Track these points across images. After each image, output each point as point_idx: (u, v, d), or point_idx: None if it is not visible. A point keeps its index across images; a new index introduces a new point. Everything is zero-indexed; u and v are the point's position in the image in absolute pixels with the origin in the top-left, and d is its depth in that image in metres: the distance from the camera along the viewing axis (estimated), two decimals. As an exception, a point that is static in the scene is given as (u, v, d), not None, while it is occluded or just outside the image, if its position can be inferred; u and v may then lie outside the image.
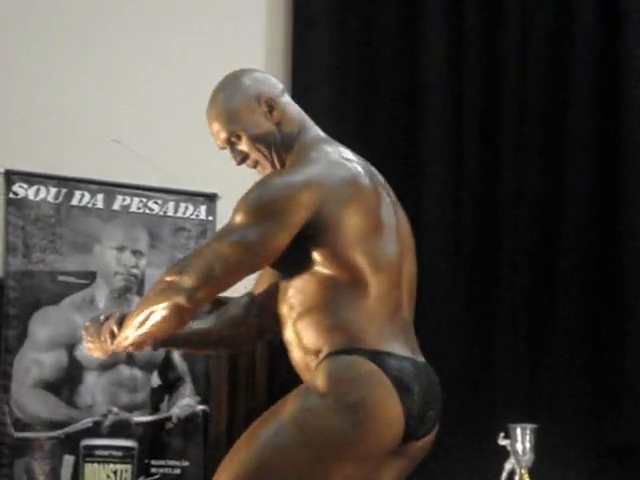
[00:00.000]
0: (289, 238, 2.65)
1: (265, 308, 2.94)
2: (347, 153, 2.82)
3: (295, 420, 2.63)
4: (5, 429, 5.65)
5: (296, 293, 2.73)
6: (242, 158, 2.86)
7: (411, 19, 6.20)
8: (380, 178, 2.88)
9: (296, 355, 2.80)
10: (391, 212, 2.82)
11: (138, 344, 2.80)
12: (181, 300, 2.63)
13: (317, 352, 2.73)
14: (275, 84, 2.88)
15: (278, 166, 2.83)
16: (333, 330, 2.70)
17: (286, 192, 2.66)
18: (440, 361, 5.94)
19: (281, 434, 2.62)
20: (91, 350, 2.85)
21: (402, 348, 2.75)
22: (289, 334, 2.81)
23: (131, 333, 2.72)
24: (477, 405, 5.91)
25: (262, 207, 2.65)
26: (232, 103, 2.82)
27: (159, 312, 2.65)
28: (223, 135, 2.87)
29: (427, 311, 5.96)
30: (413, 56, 6.20)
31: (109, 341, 2.72)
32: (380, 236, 2.74)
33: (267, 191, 2.66)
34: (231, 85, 2.85)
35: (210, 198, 6.19)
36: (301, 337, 2.76)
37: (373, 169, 2.88)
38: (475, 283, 6.07)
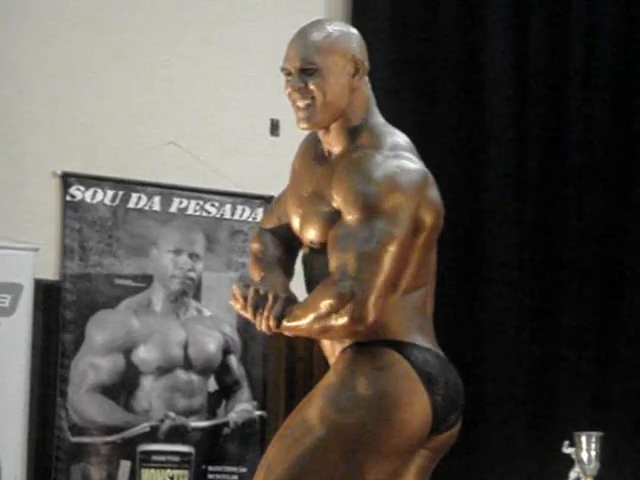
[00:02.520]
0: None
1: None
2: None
3: (322, 421, 2.58)
4: (62, 434, 5.63)
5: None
6: (300, 91, 2.72)
7: (474, 13, 6.15)
8: None
9: (325, 340, 2.77)
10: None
11: (296, 334, 2.71)
12: (358, 316, 2.55)
13: (342, 340, 2.70)
14: (366, 57, 2.81)
15: (327, 124, 2.72)
16: None
17: (412, 185, 2.61)
18: (506, 368, 5.95)
19: (310, 438, 2.57)
20: (239, 310, 2.73)
21: (426, 340, 2.70)
22: None
23: (301, 324, 2.60)
24: (542, 413, 5.82)
25: (393, 200, 2.58)
26: (332, 40, 2.72)
27: (337, 318, 2.55)
28: (301, 60, 2.70)
29: (494, 317, 5.87)
30: (475, 52, 6.14)
31: (272, 323, 2.60)
32: (435, 233, 2.70)
33: (393, 183, 2.58)
34: (341, 28, 2.76)
35: (267, 200, 6.13)
36: None
37: None
38: (541, 293, 5.98)
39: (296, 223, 2.79)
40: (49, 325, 5.71)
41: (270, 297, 2.64)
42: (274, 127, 6.22)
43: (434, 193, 2.71)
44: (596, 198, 6.15)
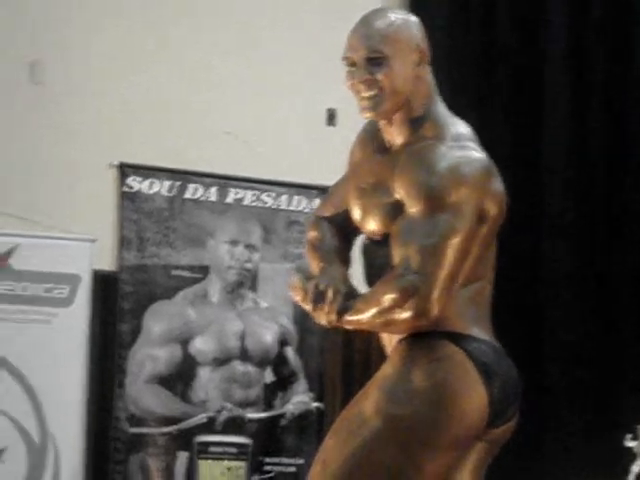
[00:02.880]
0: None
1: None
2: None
3: (378, 413, 2.55)
4: (120, 424, 5.65)
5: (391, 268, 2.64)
6: (366, 82, 2.69)
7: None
8: None
9: None
10: None
11: (357, 328, 2.69)
12: (422, 311, 2.52)
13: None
14: (428, 47, 2.77)
15: (391, 114, 2.68)
16: None
17: (480, 172, 2.58)
18: (565, 360, 5.88)
19: (366, 430, 2.54)
20: (299, 302, 2.71)
21: (483, 332, 2.65)
22: None
23: (363, 318, 2.58)
24: (603, 406, 5.74)
25: (457, 193, 2.54)
26: (396, 28, 2.67)
27: (400, 313, 2.53)
28: (367, 49, 2.65)
29: (554, 307, 5.81)
30: (535, 30, 6.09)
31: (333, 317, 2.58)
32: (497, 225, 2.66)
33: (457, 175, 2.54)
34: (403, 16, 2.72)
35: (323, 191, 6.08)
36: None
37: None
38: (606, 286, 5.91)
39: (357, 214, 2.75)
40: (107, 316, 5.72)
41: (330, 291, 2.61)
42: (331, 117, 6.19)
43: (498, 184, 2.66)
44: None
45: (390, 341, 2.69)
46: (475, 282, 2.64)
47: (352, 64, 2.69)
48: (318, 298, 2.61)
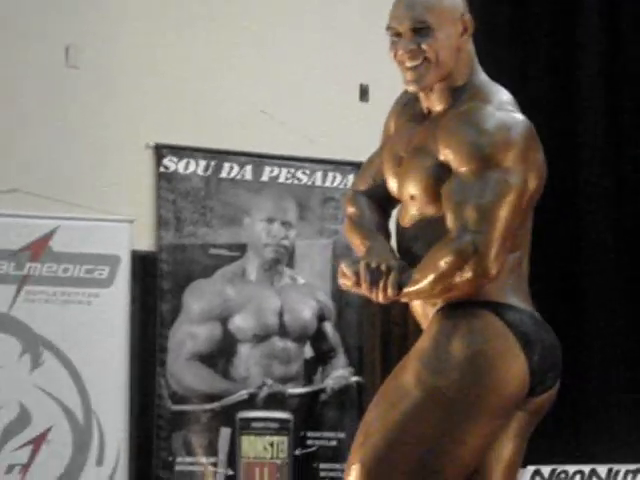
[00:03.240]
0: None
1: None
2: None
3: (418, 384, 2.53)
4: (162, 402, 5.70)
5: (429, 238, 2.63)
6: (413, 52, 2.66)
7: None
8: None
9: (416, 301, 2.71)
10: None
11: (416, 299, 2.69)
12: (482, 270, 2.49)
13: (434, 302, 2.63)
14: (471, 17, 2.77)
15: (439, 86, 2.67)
16: None
17: (527, 134, 2.56)
18: (605, 329, 5.84)
19: (407, 402, 2.53)
20: (350, 287, 2.71)
21: (521, 301, 2.63)
22: None
23: (423, 287, 2.57)
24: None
25: (507, 150, 2.53)
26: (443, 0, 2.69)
27: (461, 275, 2.49)
28: (412, 19, 2.62)
29: (593, 278, 5.78)
30: (569, 13, 6.05)
31: (392, 292, 2.58)
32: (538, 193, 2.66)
33: (507, 134, 2.52)
34: None
35: (358, 167, 6.05)
36: None
37: None
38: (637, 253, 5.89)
39: (393, 182, 2.74)
40: (146, 295, 5.76)
41: (384, 268, 2.59)
42: (363, 92, 6.19)
43: (540, 153, 2.65)
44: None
45: (425, 314, 2.68)
46: (513, 252, 2.62)
47: (396, 34, 2.67)
48: (373, 277, 2.59)
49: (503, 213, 2.53)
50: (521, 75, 5.99)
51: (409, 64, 2.66)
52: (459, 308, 2.60)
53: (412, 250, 2.67)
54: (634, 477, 5.16)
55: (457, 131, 2.59)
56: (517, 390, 2.57)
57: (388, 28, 2.69)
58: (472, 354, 2.54)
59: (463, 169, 2.56)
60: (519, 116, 2.61)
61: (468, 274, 2.52)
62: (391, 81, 6.62)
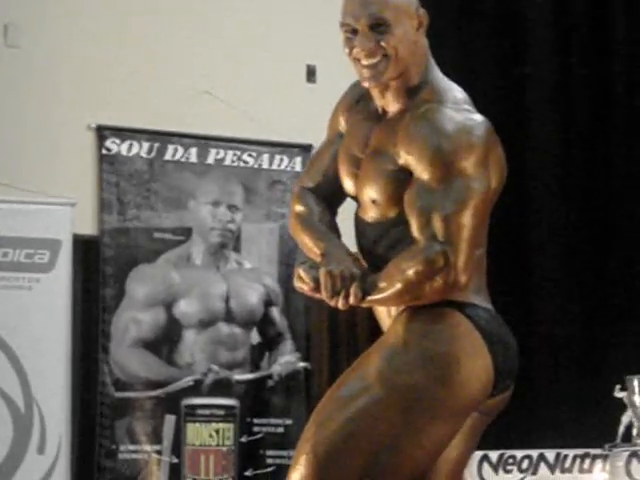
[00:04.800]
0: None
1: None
2: None
3: (381, 381, 2.47)
4: (105, 389, 5.60)
5: (391, 240, 2.56)
6: (371, 50, 2.60)
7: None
8: None
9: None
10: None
11: (379, 305, 2.62)
12: (453, 280, 2.44)
13: None
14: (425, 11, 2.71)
15: (395, 84, 2.60)
16: None
17: (487, 135, 2.51)
18: (556, 312, 5.86)
19: (367, 397, 2.47)
20: (306, 292, 2.62)
21: (484, 301, 2.59)
22: None
23: (388, 295, 2.50)
24: (593, 357, 5.72)
25: (469, 155, 2.47)
26: None
27: (431, 285, 2.43)
28: (370, 16, 2.56)
29: (544, 263, 5.79)
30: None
31: (354, 300, 2.50)
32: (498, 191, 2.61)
33: (469, 138, 2.47)
34: None
35: (305, 149, 6.02)
36: None
37: None
38: (591, 239, 5.89)
39: (350, 184, 2.66)
40: (89, 281, 5.67)
41: (347, 275, 2.51)
42: (310, 73, 6.11)
43: (500, 149, 2.59)
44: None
45: (388, 312, 2.61)
46: (479, 248, 2.56)
47: (352, 31, 2.59)
48: (335, 286, 2.50)
49: (469, 221, 2.48)
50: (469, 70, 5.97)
51: (366, 62, 2.59)
52: (425, 307, 2.53)
53: (374, 251, 2.61)
54: (582, 461, 5.16)
55: (418, 136, 2.52)
56: (481, 390, 2.52)
57: (342, 25, 2.61)
58: (438, 354, 2.49)
59: (426, 176, 2.50)
60: (478, 117, 2.56)
61: (438, 284, 2.47)
62: (338, 62, 6.55)
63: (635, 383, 4.98)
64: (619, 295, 5.86)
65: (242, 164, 5.99)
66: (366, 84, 2.62)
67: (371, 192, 2.59)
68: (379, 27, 2.59)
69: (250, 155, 6.01)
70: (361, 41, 2.58)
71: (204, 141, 5.89)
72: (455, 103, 2.56)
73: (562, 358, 5.70)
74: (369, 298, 2.51)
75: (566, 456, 5.16)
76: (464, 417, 2.53)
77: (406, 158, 2.52)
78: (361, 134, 2.65)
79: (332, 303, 2.55)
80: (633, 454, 4.96)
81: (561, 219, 6.01)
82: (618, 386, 4.99)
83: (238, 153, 5.98)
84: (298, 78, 6.09)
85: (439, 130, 2.50)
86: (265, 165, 6.03)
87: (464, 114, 2.54)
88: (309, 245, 2.66)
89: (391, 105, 2.62)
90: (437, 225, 2.47)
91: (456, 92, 2.61)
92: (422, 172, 2.49)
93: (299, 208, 2.73)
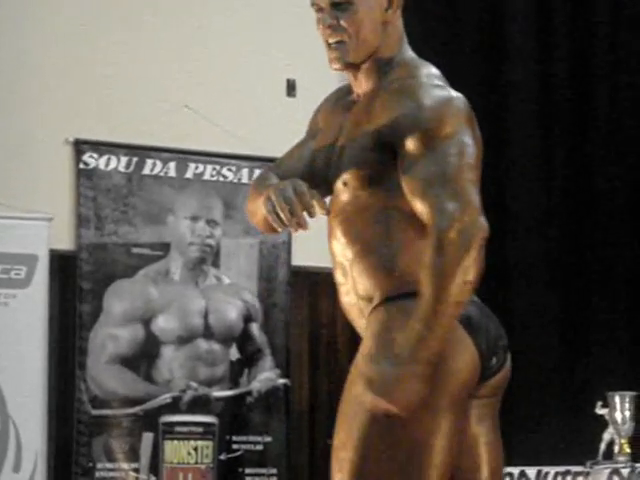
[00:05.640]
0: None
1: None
2: None
3: (372, 390, 2.38)
4: (82, 406, 5.54)
5: (359, 227, 2.52)
6: (332, 27, 2.56)
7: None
8: None
9: (348, 299, 2.59)
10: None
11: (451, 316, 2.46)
12: (478, 229, 2.34)
13: (370, 298, 2.52)
14: None
15: (360, 63, 2.59)
16: (388, 274, 2.50)
17: (466, 107, 2.48)
18: (537, 328, 5.84)
19: (363, 411, 2.41)
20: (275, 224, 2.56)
21: None
22: (341, 276, 2.59)
23: (446, 292, 2.36)
24: (574, 373, 5.69)
25: (452, 122, 2.44)
26: None
27: (468, 251, 2.34)
28: None
29: (524, 277, 5.76)
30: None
31: (319, 209, 2.44)
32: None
33: (448, 106, 2.44)
34: None
35: (285, 164, 5.98)
36: (356, 281, 2.55)
37: None
38: (569, 252, 5.86)
39: (324, 169, 2.61)
40: (66, 296, 5.61)
41: (295, 188, 2.44)
42: (290, 88, 6.08)
43: (477, 129, 2.55)
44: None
45: (361, 313, 2.56)
46: None
47: (319, 10, 2.59)
48: (288, 200, 2.43)
49: (468, 175, 2.42)
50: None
51: (330, 40, 2.57)
52: (397, 301, 2.48)
53: (337, 236, 2.57)
54: (563, 479, 5.12)
55: (397, 110, 2.48)
56: (470, 377, 2.48)
57: (312, 4, 2.61)
58: (419, 347, 2.41)
59: (413, 149, 2.45)
60: (453, 92, 2.53)
61: (472, 244, 2.36)
62: (319, 76, 6.54)
63: (616, 399, 4.94)
64: (601, 311, 5.84)
65: (221, 179, 5.94)
66: (333, 66, 2.60)
67: (345, 174, 2.54)
68: (340, 5, 2.57)
69: (229, 170, 5.97)
70: (323, 18, 2.58)
71: (183, 155, 5.85)
72: (429, 78, 2.54)
73: (542, 375, 5.67)
74: (437, 309, 2.37)
75: (547, 473, 5.12)
76: (464, 404, 2.48)
77: (387, 134, 2.48)
78: (337, 123, 2.63)
79: (292, 224, 2.46)
80: (614, 471, 4.92)
81: (542, 231, 5.99)
82: (599, 403, 4.96)
83: (217, 167, 5.94)
84: (278, 92, 6.06)
85: (418, 102, 2.47)
86: (245, 180, 5.99)
87: (440, 88, 2.51)
88: (259, 200, 2.61)
89: (364, 85, 2.61)
90: (439, 191, 2.40)
91: (431, 69, 2.59)
92: (408, 146, 2.45)
93: (254, 183, 2.74)
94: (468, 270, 2.37)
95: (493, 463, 2.58)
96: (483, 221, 2.39)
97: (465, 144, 2.45)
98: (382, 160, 2.49)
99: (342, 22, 2.56)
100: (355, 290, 2.56)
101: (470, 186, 2.42)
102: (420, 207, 2.43)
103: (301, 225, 2.46)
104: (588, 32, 6.14)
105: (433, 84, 2.52)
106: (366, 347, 2.48)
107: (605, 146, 6.04)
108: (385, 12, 2.60)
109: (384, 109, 2.49)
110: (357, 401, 2.45)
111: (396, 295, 2.49)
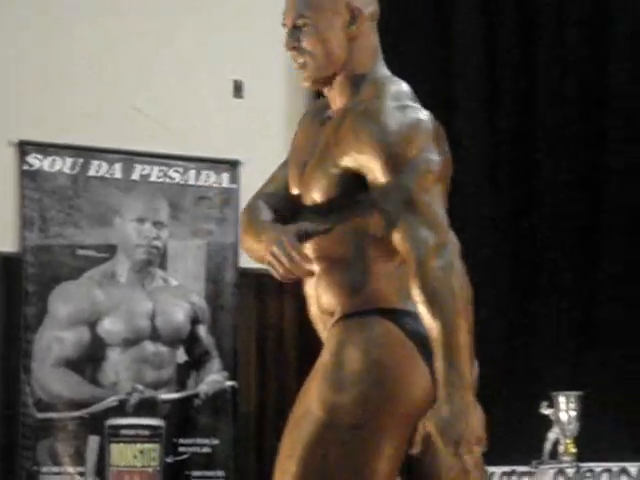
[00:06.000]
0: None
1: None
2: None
3: (321, 403, 2.43)
4: (27, 410, 5.48)
5: (327, 245, 2.53)
6: (294, 47, 2.60)
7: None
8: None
9: (314, 310, 2.62)
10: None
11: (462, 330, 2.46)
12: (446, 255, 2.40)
13: (331, 312, 2.55)
14: (370, 2, 2.65)
15: (320, 78, 2.60)
16: (351, 292, 2.52)
17: (433, 129, 2.47)
18: (481, 328, 5.85)
19: (313, 424, 2.43)
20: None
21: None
22: (310, 288, 2.61)
23: (446, 313, 2.37)
24: (519, 373, 5.72)
25: (419, 139, 2.45)
26: None
27: (448, 269, 2.39)
28: (292, 14, 2.60)
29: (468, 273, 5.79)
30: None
31: (293, 257, 2.49)
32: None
33: (414, 129, 2.43)
34: None
35: (232, 165, 5.96)
36: (319, 294, 2.57)
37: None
38: (516, 248, 5.89)
39: (296, 188, 2.64)
40: (10, 298, 5.56)
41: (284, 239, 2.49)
42: (237, 89, 6.05)
43: (447, 148, 2.56)
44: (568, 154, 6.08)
45: (325, 325, 2.58)
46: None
47: (287, 30, 2.64)
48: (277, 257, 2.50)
49: (434, 192, 2.45)
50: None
51: (296, 61, 2.62)
52: (354, 318, 2.50)
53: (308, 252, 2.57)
54: (508, 479, 5.14)
55: (362, 134, 2.48)
56: (421, 398, 2.46)
57: (283, 24, 2.65)
58: (372, 365, 2.45)
59: (379, 173, 2.45)
60: (421, 111, 2.53)
61: (455, 259, 2.41)
62: (266, 78, 6.51)
63: (561, 399, 4.97)
64: (547, 309, 5.87)
65: (168, 180, 5.91)
66: (303, 85, 2.64)
67: (314, 193, 2.56)
68: (302, 26, 2.60)
69: (176, 171, 5.94)
70: (287, 40, 2.62)
71: (129, 157, 5.81)
72: (397, 99, 2.53)
73: (486, 376, 5.69)
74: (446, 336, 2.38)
75: (493, 474, 5.14)
76: (411, 425, 2.46)
77: (353, 159, 2.49)
78: (312, 139, 2.65)
79: (287, 274, 2.52)
80: (559, 471, 4.95)
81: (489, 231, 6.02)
82: (545, 403, 4.98)
83: (164, 169, 5.91)
84: (225, 93, 6.04)
85: (382, 126, 2.47)
86: (191, 181, 5.96)
87: (406, 108, 2.51)
88: (255, 245, 2.62)
89: (338, 102, 2.63)
90: (409, 218, 2.42)
91: (400, 85, 2.59)
92: (375, 173, 2.46)
93: (244, 218, 2.69)
94: (459, 285, 2.40)
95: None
96: (452, 237, 2.43)
97: (430, 161, 2.46)
98: (348, 184, 2.51)
99: (303, 44, 2.59)
100: (319, 304, 2.59)
101: (438, 206, 2.44)
102: (394, 236, 2.44)
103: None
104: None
105: (400, 105, 2.51)
106: (322, 364, 2.51)
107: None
108: (348, 28, 2.60)
109: (350, 132, 2.50)
110: (308, 413, 2.46)
111: (355, 312, 2.51)
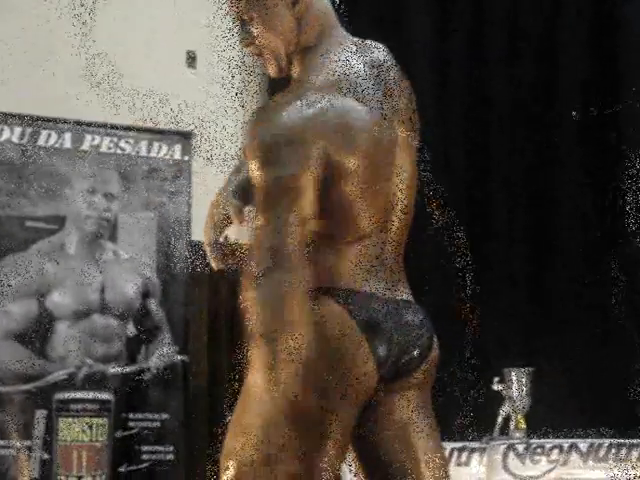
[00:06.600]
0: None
1: None
2: (360, 80, 2.51)
3: (264, 388, 2.37)
4: (-27, 383, 5.40)
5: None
6: (247, 42, 2.56)
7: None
8: (394, 101, 2.56)
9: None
10: (390, 149, 2.53)
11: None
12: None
13: None
14: None
15: (282, 65, 2.54)
16: None
17: (309, 127, 2.36)
18: (433, 305, 5.85)
19: (258, 411, 2.40)
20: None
21: (379, 286, 2.52)
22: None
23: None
24: (470, 349, 5.72)
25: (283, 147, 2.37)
26: None
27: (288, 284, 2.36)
28: (237, 10, 2.56)
29: (420, 253, 5.78)
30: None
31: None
32: (375, 180, 2.48)
33: (284, 128, 2.35)
34: None
35: (185, 136, 5.88)
36: None
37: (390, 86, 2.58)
38: (471, 225, 5.89)
39: None
40: (-44, 270, 5.45)
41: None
42: (191, 59, 5.98)
43: (360, 134, 2.45)
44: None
45: None
46: (365, 238, 2.49)
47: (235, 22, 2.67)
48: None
49: (285, 202, 2.38)
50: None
51: (255, 56, 2.62)
52: None
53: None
54: (459, 454, 5.15)
55: (254, 132, 2.43)
56: (365, 378, 2.46)
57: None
58: (314, 349, 2.39)
59: (252, 179, 2.43)
60: (316, 107, 2.41)
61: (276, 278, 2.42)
62: (219, 49, 6.43)
63: (513, 375, 4.98)
64: (499, 285, 5.88)
65: (119, 151, 5.83)
66: (273, 76, 2.64)
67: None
68: (242, 18, 2.58)
69: (127, 142, 5.85)
70: (240, 37, 2.62)
71: (79, 127, 5.71)
72: (308, 88, 2.44)
73: (445, 352, 5.71)
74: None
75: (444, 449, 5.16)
76: (358, 402, 2.46)
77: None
78: None
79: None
80: (510, 447, 4.96)
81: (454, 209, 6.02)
82: (496, 378, 4.99)
83: (115, 140, 5.81)
84: (178, 64, 5.96)
85: (263, 127, 2.41)
86: (143, 152, 5.88)
87: (297, 103, 2.40)
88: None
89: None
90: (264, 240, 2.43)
91: (324, 72, 2.49)
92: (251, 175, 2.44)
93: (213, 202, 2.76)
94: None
95: (429, 452, 2.56)
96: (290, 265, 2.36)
97: (285, 169, 2.36)
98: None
99: (256, 39, 2.57)
100: None
101: (284, 232, 2.36)
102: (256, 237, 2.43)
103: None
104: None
105: (302, 102, 2.40)
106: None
107: None
108: (294, 8, 2.55)
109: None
110: (253, 399, 2.43)
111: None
